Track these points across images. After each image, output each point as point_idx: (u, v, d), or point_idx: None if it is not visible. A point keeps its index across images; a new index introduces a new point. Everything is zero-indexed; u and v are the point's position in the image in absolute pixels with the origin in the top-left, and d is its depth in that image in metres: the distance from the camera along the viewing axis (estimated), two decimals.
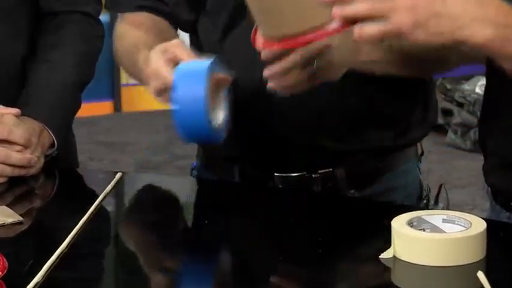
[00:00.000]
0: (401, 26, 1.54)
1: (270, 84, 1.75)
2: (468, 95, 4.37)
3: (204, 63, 1.68)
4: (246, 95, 1.91)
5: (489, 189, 1.81)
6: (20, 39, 2.17)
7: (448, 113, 4.41)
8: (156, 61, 1.71)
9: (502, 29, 1.55)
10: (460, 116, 4.43)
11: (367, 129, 2.05)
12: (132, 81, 4.65)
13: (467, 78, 4.52)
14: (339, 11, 1.53)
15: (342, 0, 1.56)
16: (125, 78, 4.80)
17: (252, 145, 2.02)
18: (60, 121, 2.10)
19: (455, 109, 4.47)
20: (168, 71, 1.67)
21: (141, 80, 1.83)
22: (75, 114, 2.17)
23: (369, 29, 1.55)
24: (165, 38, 1.84)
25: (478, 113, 4.20)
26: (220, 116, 1.83)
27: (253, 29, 1.69)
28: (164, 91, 1.65)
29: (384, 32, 1.53)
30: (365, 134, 2.06)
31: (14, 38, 2.16)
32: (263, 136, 2.02)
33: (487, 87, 1.84)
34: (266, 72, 1.70)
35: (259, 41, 1.67)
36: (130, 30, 1.98)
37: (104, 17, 2.23)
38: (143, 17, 1.99)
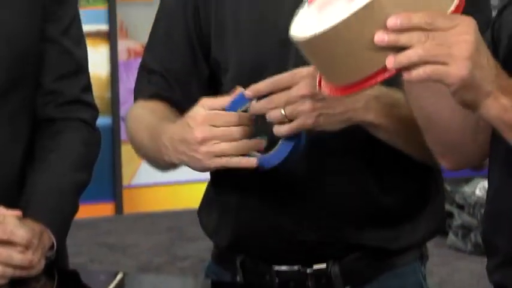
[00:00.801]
0: (458, 75, 1.52)
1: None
2: (468, 197, 4.38)
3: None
4: (254, 184, 1.93)
5: None
6: (20, 143, 2.17)
7: (449, 215, 4.41)
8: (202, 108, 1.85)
9: None
10: (461, 218, 4.43)
11: (366, 226, 2.04)
12: (134, 182, 4.65)
13: (467, 180, 4.53)
14: (392, 61, 1.52)
15: (395, 41, 1.53)
16: (127, 179, 4.80)
17: (252, 234, 2.03)
18: (60, 223, 2.11)
19: (455, 211, 4.48)
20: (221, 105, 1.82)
21: (160, 151, 1.91)
22: (73, 216, 2.16)
23: (420, 73, 1.53)
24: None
25: (479, 215, 4.18)
26: None
27: (318, 78, 1.69)
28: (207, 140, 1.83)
29: (431, 76, 1.53)
30: (364, 232, 2.05)
31: (14, 143, 2.16)
32: (263, 225, 2.03)
33: (490, 178, 1.83)
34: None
35: (326, 90, 1.67)
36: (147, 112, 2.05)
37: (105, 119, 2.25)
38: (155, 103, 2.06)
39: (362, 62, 1.60)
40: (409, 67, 1.51)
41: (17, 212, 1.98)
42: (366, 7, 1.56)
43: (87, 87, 2.17)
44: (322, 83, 1.69)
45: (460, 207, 4.42)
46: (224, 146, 1.87)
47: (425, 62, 1.51)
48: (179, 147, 1.90)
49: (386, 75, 1.56)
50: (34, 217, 2.01)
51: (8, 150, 2.13)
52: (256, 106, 1.80)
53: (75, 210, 2.14)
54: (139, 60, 2.20)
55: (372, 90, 1.81)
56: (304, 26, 1.65)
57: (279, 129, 1.80)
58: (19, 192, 2.10)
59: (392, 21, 1.55)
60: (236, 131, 1.85)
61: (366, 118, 1.85)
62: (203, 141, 1.86)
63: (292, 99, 1.79)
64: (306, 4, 1.66)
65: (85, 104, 2.15)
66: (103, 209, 4.64)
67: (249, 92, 1.80)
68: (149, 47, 2.12)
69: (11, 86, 2.07)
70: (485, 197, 1.93)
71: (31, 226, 1.99)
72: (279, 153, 1.88)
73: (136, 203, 4.80)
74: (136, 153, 2.09)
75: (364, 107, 1.87)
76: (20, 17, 2.08)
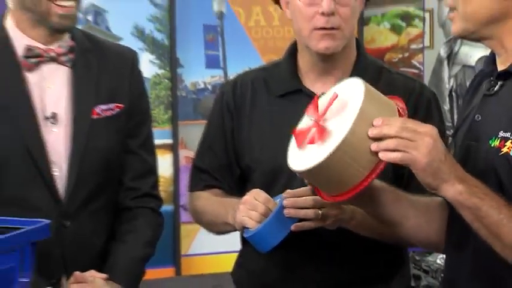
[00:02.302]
0: (419, 162, 1.56)
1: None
2: (431, 265, 4.30)
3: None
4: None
5: None
6: (101, 236, 2.17)
7: (417, 277, 4.36)
8: (254, 194, 1.94)
9: (470, 189, 1.58)
10: (426, 280, 4.36)
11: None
12: (189, 252, 4.62)
13: (430, 253, 4.46)
14: (375, 146, 1.58)
15: (380, 132, 1.58)
16: (184, 250, 4.78)
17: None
18: (133, 284, 2.12)
19: (422, 275, 4.39)
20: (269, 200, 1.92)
21: (227, 216, 2.01)
22: (141, 278, 2.20)
23: (390, 154, 1.57)
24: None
25: (439, 278, 4.12)
26: None
27: (315, 188, 1.78)
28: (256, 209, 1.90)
29: (402, 160, 1.57)
30: None
31: (96, 236, 2.15)
32: (277, 283, 2.06)
33: (446, 255, 1.84)
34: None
35: (324, 197, 1.75)
36: (210, 195, 2.15)
37: (169, 207, 2.26)
38: (210, 190, 2.17)
39: (353, 178, 1.65)
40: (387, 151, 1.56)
41: (104, 276, 2.04)
42: (348, 136, 1.61)
43: (155, 185, 2.27)
44: (322, 194, 1.76)
45: (426, 271, 4.35)
46: (246, 211, 1.92)
47: (398, 150, 1.55)
48: (235, 208, 1.98)
49: (362, 187, 1.63)
50: (115, 280, 2.08)
51: (92, 240, 2.14)
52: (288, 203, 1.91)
53: (143, 274, 2.25)
54: None
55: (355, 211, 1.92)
56: (299, 158, 1.73)
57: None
58: (103, 264, 2.12)
59: (376, 122, 1.59)
60: (261, 207, 1.90)
61: (349, 226, 1.95)
62: (243, 202, 1.95)
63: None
64: (293, 146, 1.76)
65: (153, 197, 2.22)
66: (166, 272, 4.61)
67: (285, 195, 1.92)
68: (198, 155, 2.19)
69: (98, 189, 2.12)
70: (443, 266, 1.92)
71: (113, 285, 1.99)
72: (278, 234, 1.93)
73: (190, 267, 4.76)
74: (199, 222, 2.24)
75: (349, 219, 1.93)
76: (111, 139, 2.12)
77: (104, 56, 2.14)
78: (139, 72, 2.22)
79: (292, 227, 1.84)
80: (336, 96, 1.69)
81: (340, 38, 1.99)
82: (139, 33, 4.64)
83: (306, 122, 1.76)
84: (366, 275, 2.00)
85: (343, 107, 1.67)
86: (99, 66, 2.11)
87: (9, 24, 2.04)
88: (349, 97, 1.68)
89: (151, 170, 2.22)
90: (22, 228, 1.68)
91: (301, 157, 1.72)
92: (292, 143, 1.77)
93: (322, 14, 1.95)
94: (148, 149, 2.21)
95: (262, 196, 1.93)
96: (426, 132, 1.57)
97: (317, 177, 1.71)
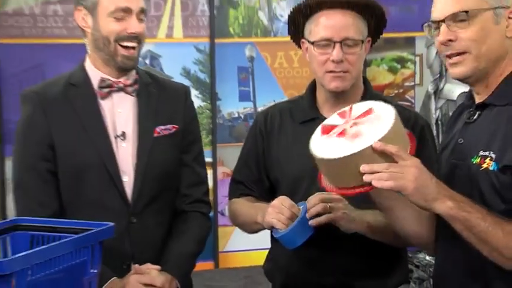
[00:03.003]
0: (407, 189, 1.55)
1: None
2: (422, 260, 4.25)
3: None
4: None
5: None
6: (161, 230, 2.14)
7: (410, 271, 4.31)
8: (281, 200, 1.92)
9: (458, 204, 1.56)
10: (417, 273, 4.30)
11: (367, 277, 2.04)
12: (226, 249, 4.61)
13: (420, 250, 4.42)
14: (367, 168, 1.56)
15: (371, 169, 1.56)
16: (221, 247, 4.76)
17: (295, 280, 2.05)
18: (184, 275, 2.12)
19: (414, 269, 4.34)
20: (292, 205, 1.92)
21: (257, 216, 1.99)
22: (192, 271, 2.18)
23: (384, 183, 1.54)
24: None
25: (428, 271, 4.06)
26: None
27: (319, 173, 1.72)
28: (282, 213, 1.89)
29: (393, 187, 1.54)
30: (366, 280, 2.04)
31: (157, 229, 2.13)
32: (300, 275, 2.05)
33: (437, 251, 1.81)
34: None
35: (325, 186, 1.71)
36: (245, 200, 2.16)
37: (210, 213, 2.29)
38: (245, 197, 2.17)
39: (350, 178, 1.61)
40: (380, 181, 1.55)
41: (157, 267, 2.02)
42: (362, 151, 1.57)
43: (206, 193, 2.24)
44: (323, 180, 1.72)
45: (417, 266, 4.30)
46: (275, 214, 1.92)
47: (387, 179, 1.54)
48: (264, 210, 1.97)
49: (363, 190, 1.60)
50: (168, 271, 2.06)
51: (153, 234, 2.13)
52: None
53: (193, 267, 2.21)
54: (229, 178, 2.26)
55: (366, 217, 1.91)
56: (321, 146, 1.67)
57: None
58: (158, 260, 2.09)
59: (377, 145, 1.56)
60: (286, 211, 1.90)
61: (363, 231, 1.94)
62: (272, 206, 1.94)
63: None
64: (319, 133, 1.72)
65: (204, 202, 2.23)
66: (207, 265, 4.59)
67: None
68: (236, 170, 2.19)
69: (159, 194, 2.14)
70: (432, 260, 1.90)
71: (166, 276, 1.99)
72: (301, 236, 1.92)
73: (226, 262, 4.74)
74: (235, 223, 2.20)
75: (360, 223, 1.92)
76: (168, 152, 2.14)
77: (162, 88, 2.16)
78: (191, 102, 2.22)
79: (311, 222, 1.85)
80: (371, 109, 1.66)
81: (349, 79, 1.99)
82: (186, 73, 4.67)
83: (335, 120, 1.72)
84: (373, 268, 2.00)
85: (376, 119, 1.63)
86: (159, 95, 2.13)
87: (88, 63, 2.09)
88: (382, 114, 1.64)
89: (202, 180, 2.21)
90: (92, 229, 1.69)
91: (325, 145, 1.66)
92: (317, 132, 1.71)
93: (333, 61, 1.95)
94: (200, 163, 2.20)
95: (288, 202, 1.92)
96: (412, 164, 1.55)
97: (331, 168, 1.64)
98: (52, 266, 1.55)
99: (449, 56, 1.66)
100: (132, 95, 2.09)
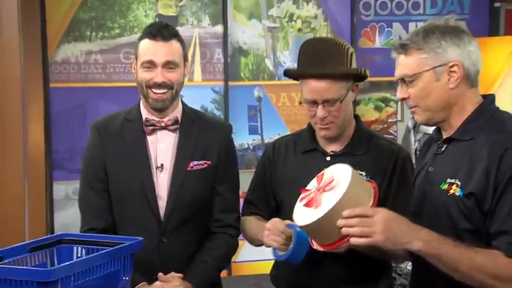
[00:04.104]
0: (378, 242, 1.56)
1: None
2: (403, 270, 4.22)
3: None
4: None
5: None
6: (189, 250, 2.09)
7: (393, 279, 4.27)
8: (275, 223, 1.88)
9: (428, 243, 1.54)
10: (400, 280, 4.27)
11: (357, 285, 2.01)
12: (237, 260, 4.57)
13: (402, 261, 4.40)
14: (343, 222, 1.57)
15: (346, 224, 1.57)
16: (234, 258, 4.74)
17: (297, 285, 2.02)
18: (203, 286, 2.06)
19: (397, 277, 4.32)
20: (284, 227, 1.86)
21: (258, 235, 1.95)
22: (211, 282, 2.13)
23: (360, 240, 1.57)
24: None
25: (408, 279, 4.06)
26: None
27: (309, 239, 1.76)
28: (276, 235, 1.85)
29: (368, 243, 1.56)
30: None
31: (184, 249, 2.09)
32: (302, 281, 2.02)
33: (413, 268, 1.80)
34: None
35: (315, 247, 1.74)
36: (253, 218, 2.13)
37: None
38: (254, 216, 2.14)
39: (329, 235, 1.64)
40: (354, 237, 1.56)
41: (180, 275, 1.99)
42: (330, 211, 1.60)
43: (237, 219, 2.18)
44: (313, 242, 1.75)
45: (399, 274, 4.28)
46: (272, 236, 1.89)
47: (360, 235, 1.55)
48: (262, 231, 1.95)
49: (342, 243, 1.62)
50: (189, 280, 2.02)
51: (180, 253, 2.08)
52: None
53: (214, 280, 2.15)
54: (242, 200, 2.24)
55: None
56: (301, 215, 1.70)
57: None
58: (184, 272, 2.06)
59: (346, 213, 1.58)
60: (280, 235, 1.88)
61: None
62: (267, 229, 1.91)
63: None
64: (299, 200, 1.73)
65: (234, 227, 2.18)
66: (221, 273, 4.56)
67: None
68: (248, 192, 2.19)
69: (188, 218, 2.10)
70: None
71: (187, 284, 1.96)
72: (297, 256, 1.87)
73: (238, 270, 4.71)
74: (245, 238, 2.16)
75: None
76: (198, 184, 2.11)
77: (204, 127, 2.13)
78: (230, 139, 2.17)
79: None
80: (332, 178, 1.67)
81: (334, 128, 1.97)
82: (204, 111, 4.60)
83: (312, 185, 1.74)
84: (362, 276, 1.98)
85: (335, 186, 1.65)
86: (199, 133, 2.10)
87: (141, 104, 2.11)
88: (341, 179, 1.65)
89: (233, 208, 2.15)
90: (124, 243, 1.70)
91: (302, 214, 1.69)
92: (298, 204, 1.73)
93: (318, 117, 1.95)
94: (233, 192, 2.15)
95: (281, 226, 1.88)
96: (378, 219, 1.54)
97: (312, 230, 1.69)
98: (91, 274, 1.56)
99: (409, 108, 1.71)
100: (174, 132, 2.08)
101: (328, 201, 1.62)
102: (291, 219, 1.83)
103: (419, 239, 1.54)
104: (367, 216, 1.54)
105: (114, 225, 2.05)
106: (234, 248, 2.17)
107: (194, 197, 2.07)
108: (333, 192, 1.64)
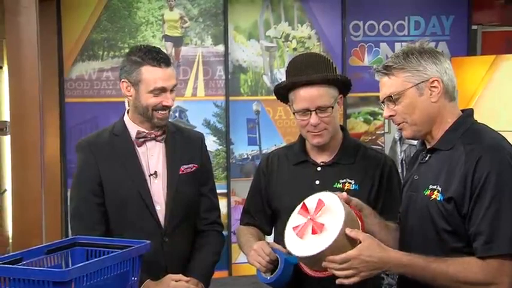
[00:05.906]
0: (364, 276, 1.57)
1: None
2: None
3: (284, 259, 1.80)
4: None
5: None
6: (187, 243, 2.13)
7: (381, 278, 4.25)
8: (262, 245, 1.85)
9: (404, 268, 1.57)
10: (387, 280, 4.25)
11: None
12: (237, 261, 4.56)
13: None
14: (331, 266, 1.58)
15: (332, 261, 1.57)
16: (234, 259, 4.72)
17: None
18: (206, 280, 2.12)
19: (384, 276, 4.30)
20: (269, 251, 1.82)
21: (247, 249, 1.93)
22: (211, 277, 2.15)
23: (346, 280, 1.59)
24: (258, 237, 2.01)
25: (395, 279, 4.03)
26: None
27: (303, 265, 1.72)
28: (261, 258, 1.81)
29: (357, 279, 1.57)
30: None
31: (184, 243, 2.13)
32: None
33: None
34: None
35: (305, 269, 1.71)
36: (246, 229, 2.10)
37: (224, 232, 2.27)
38: (249, 226, 2.11)
39: (321, 265, 1.63)
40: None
41: (187, 279, 1.99)
42: (328, 248, 1.58)
43: (219, 216, 2.23)
44: (304, 267, 1.72)
45: (387, 274, 4.26)
46: (256, 257, 1.87)
47: (346, 275, 1.56)
48: (248, 249, 1.94)
49: (330, 274, 1.61)
50: (195, 277, 2.05)
51: (181, 249, 2.12)
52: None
53: (213, 274, 2.18)
54: (241, 206, 2.25)
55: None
56: (295, 246, 1.65)
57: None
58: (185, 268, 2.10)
59: (328, 260, 1.58)
60: (263, 256, 1.86)
61: None
62: (254, 249, 1.89)
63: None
64: (292, 231, 1.67)
65: (218, 224, 2.20)
66: (222, 274, 4.55)
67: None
68: (246, 201, 2.18)
69: (184, 218, 2.14)
70: None
71: (193, 279, 1.97)
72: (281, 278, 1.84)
73: (238, 271, 4.70)
74: (238, 245, 2.14)
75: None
76: (191, 186, 2.15)
77: (185, 136, 2.16)
78: (205, 146, 2.22)
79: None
80: (321, 203, 1.64)
81: (326, 134, 1.95)
82: (207, 124, 4.66)
83: (298, 220, 1.68)
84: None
85: (329, 209, 1.62)
86: (181, 141, 2.13)
87: (126, 118, 2.10)
88: (332, 204, 1.63)
89: (216, 207, 2.20)
90: (133, 246, 1.71)
91: (302, 245, 1.63)
92: (291, 236, 1.66)
93: (311, 125, 1.93)
94: (214, 194, 2.19)
95: (267, 249, 1.85)
96: (359, 261, 1.54)
97: (311, 259, 1.63)
98: (102, 274, 1.57)
99: (396, 125, 1.72)
100: (161, 142, 2.09)
101: (332, 222, 1.58)
102: (286, 225, 1.82)
103: (400, 264, 1.56)
104: (349, 260, 1.55)
105: (108, 234, 2.01)
106: (223, 242, 2.20)
107: (188, 198, 2.10)
108: (331, 213, 1.60)
